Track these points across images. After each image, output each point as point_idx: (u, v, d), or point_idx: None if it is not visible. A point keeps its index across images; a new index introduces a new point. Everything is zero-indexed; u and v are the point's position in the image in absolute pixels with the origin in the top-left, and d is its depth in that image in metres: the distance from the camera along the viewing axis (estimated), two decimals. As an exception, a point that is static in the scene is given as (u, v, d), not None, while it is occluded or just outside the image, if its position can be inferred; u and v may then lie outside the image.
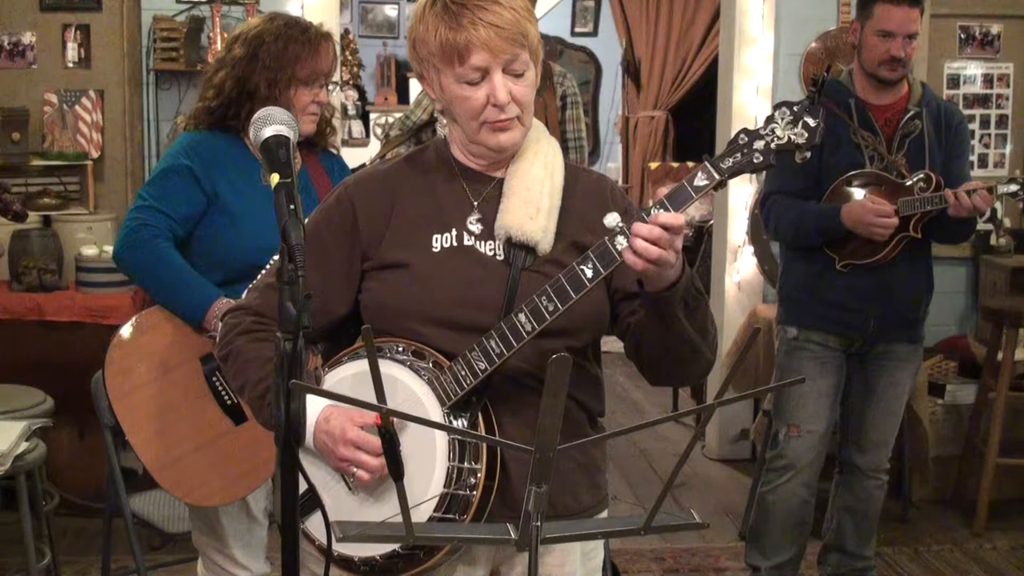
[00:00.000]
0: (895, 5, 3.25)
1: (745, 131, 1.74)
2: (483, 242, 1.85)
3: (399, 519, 1.52)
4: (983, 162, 5.08)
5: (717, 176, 1.71)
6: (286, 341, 1.51)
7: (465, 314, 1.79)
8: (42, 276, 4.21)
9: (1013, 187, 3.34)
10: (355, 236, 1.87)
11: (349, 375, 1.84)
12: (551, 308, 1.71)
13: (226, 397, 2.54)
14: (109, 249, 2.95)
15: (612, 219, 1.67)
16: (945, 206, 3.22)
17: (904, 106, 3.38)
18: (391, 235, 1.86)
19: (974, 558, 4.15)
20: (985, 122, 5.11)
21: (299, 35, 2.58)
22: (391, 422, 1.55)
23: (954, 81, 5.07)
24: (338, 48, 2.67)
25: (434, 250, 1.84)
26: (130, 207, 2.65)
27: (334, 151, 2.86)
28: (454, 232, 1.85)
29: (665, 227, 1.63)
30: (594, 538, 1.89)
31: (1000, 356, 4.35)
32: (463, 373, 1.75)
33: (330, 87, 2.66)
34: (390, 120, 4.47)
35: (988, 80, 5.09)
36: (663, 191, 1.70)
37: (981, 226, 3.73)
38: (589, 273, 1.70)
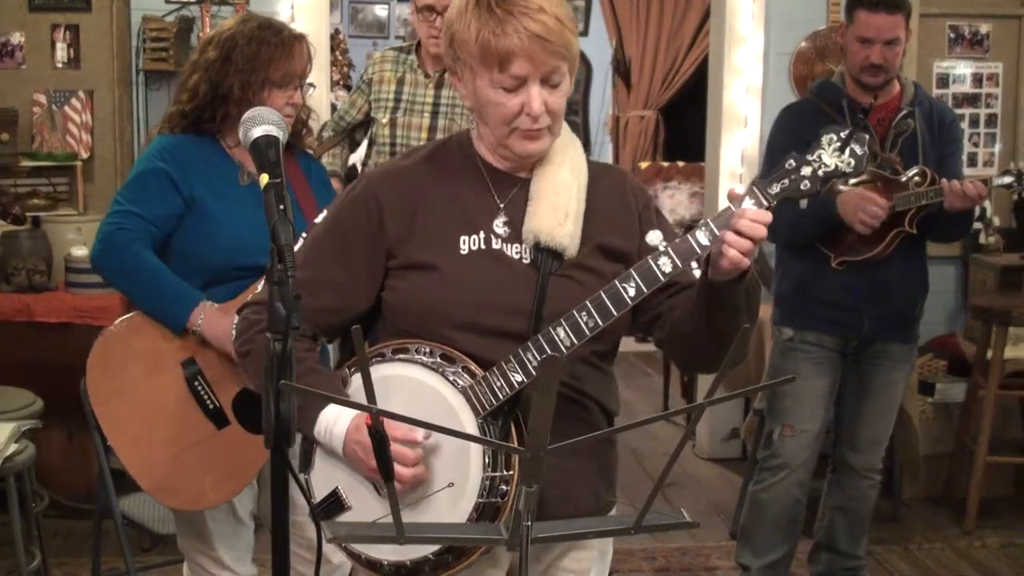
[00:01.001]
0: (873, 12, 3.25)
1: (794, 156, 1.73)
2: (510, 245, 1.84)
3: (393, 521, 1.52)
4: (972, 161, 5.09)
5: (765, 203, 1.71)
6: (276, 341, 1.51)
7: (493, 319, 1.79)
8: (31, 277, 4.20)
9: (1008, 179, 3.35)
10: (381, 232, 1.85)
11: (375, 379, 1.82)
12: (591, 324, 1.71)
13: (208, 401, 2.52)
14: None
15: (655, 237, 1.69)
16: (941, 199, 3.23)
17: (897, 105, 3.39)
18: (418, 234, 1.84)
19: (964, 556, 4.16)
20: (974, 121, 5.12)
21: (272, 37, 2.56)
22: (380, 422, 1.55)
23: (943, 80, 5.08)
24: (313, 49, 2.65)
25: (462, 252, 1.82)
26: (107, 211, 2.61)
27: (311, 152, 2.85)
28: (482, 234, 1.84)
29: (757, 221, 1.67)
30: (584, 537, 1.89)
31: (989, 354, 4.36)
32: (499, 384, 1.74)
33: (305, 88, 2.65)
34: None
35: (977, 79, 5.10)
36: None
37: (971, 225, 3.73)
38: (632, 292, 1.71)
